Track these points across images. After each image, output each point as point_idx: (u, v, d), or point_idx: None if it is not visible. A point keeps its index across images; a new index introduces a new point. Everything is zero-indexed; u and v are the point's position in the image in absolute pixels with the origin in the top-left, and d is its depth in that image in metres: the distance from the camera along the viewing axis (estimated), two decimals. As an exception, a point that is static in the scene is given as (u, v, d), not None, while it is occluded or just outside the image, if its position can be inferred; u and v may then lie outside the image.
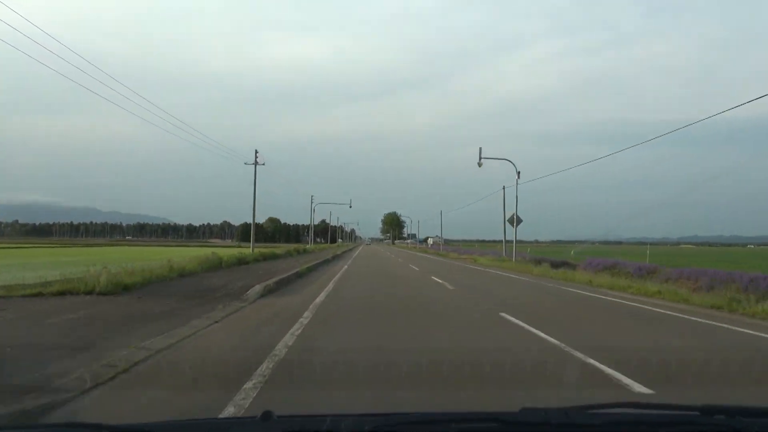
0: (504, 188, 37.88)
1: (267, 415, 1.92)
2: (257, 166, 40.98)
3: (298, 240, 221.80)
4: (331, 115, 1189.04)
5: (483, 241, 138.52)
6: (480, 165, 33.89)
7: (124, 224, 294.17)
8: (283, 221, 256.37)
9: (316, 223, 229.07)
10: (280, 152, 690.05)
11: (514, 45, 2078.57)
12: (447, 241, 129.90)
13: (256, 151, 40.87)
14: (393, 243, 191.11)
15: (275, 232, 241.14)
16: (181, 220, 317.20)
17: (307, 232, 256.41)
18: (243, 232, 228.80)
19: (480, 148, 33.65)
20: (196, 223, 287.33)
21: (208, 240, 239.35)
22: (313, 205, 77.83)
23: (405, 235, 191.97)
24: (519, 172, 33.77)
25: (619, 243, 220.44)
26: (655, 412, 2.13)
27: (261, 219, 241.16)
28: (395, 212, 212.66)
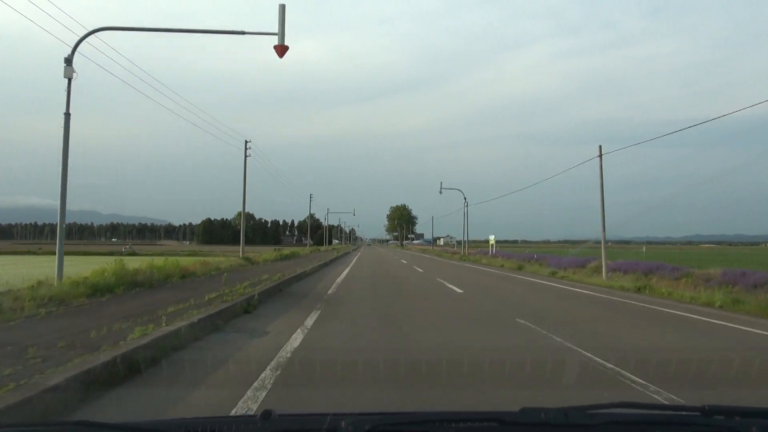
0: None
1: (267, 414, 1.89)
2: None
3: (278, 240, 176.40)
4: (330, 115, 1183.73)
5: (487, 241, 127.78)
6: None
7: (95, 225, 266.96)
8: (258, 217, 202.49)
9: (301, 219, 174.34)
10: (278, 152, 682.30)
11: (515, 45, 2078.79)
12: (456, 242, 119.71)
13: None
14: (402, 245, 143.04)
15: (248, 231, 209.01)
16: (182, 221, 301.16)
17: (289, 230, 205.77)
18: (205, 232, 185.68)
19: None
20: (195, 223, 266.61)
21: (157, 242, 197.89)
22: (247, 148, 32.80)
23: (412, 236, 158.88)
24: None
25: (627, 242, 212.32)
26: (654, 412, 2.11)
27: (230, 214, 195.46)
28: (405, 205, 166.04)
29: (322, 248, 74.56)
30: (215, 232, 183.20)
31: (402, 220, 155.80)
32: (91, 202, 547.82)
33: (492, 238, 49.33)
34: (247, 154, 32.93)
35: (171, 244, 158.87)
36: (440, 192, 50.81)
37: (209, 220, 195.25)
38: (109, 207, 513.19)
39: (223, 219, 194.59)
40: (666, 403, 4.74)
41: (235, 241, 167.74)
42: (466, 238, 53.17)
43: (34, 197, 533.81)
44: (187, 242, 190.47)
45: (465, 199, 50.88)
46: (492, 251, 46.81)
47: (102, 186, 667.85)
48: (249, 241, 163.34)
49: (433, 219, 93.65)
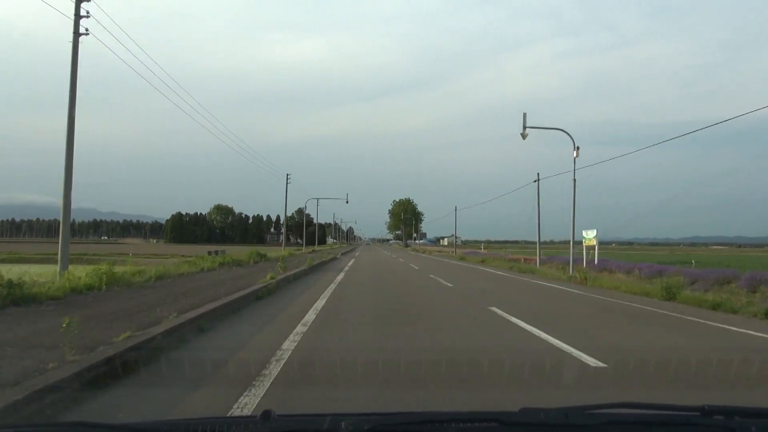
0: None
1: (267, 415, 1.88)
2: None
3: (261, 239, 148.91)
4: (330, 115, 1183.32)
5: (490, 242, 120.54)
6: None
7: (77, 221, 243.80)
8: (238, 212, 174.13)
9: (289, 215, 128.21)
10: (277, 152, 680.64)
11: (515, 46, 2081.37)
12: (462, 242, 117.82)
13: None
14: (406, 245, 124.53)
15: (225, 228, 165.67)
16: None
17: (274, 227, 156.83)
18: (174, 228, 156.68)
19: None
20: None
21: (121, 240, 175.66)
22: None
23: (415, 234, 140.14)
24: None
25: (630, 243, 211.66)
26: (654, 412, 2.10)
27: (206, 208, 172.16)
28: (409, 198, 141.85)
29: (277, 255, 32.12)
30: (186, 229, 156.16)
31: (407, 216, 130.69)
32: (90, 200, 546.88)
33: (591, 236, 26.88)
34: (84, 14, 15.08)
35: (134, 242, 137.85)
36: (523, 134, 25.24)
37: (179, 214, 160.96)
38: (108, 205, 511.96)
39: (196, 213, 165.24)
40: (666, 403, 6.13)
41: (210, 239, 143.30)
42: (573, 237, 25.40)
43: (33, 194, 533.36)
44: (154, 240, 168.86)
45: (576, 147, 24.65)
46: (593, 260, 26.57)
47: (102, 184, 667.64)
48: (227, 240, 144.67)
49: (456, 209, 66.46)
